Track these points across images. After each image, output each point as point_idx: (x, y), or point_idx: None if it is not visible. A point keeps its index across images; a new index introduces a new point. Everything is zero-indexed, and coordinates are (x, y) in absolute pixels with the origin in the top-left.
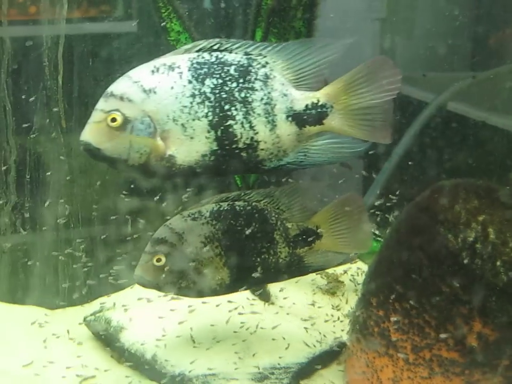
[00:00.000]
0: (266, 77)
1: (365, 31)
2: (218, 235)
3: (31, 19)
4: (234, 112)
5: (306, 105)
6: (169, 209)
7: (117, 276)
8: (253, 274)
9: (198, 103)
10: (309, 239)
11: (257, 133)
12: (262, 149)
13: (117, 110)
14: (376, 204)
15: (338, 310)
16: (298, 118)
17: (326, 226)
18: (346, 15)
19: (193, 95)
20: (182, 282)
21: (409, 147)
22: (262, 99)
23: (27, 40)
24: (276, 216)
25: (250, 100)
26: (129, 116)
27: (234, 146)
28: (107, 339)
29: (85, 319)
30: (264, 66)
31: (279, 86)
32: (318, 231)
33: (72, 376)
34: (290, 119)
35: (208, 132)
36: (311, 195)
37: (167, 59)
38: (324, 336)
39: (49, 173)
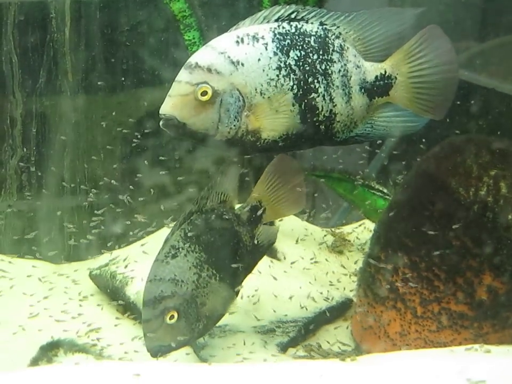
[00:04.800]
0: (341, 48)
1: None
2: (202, 257)
3: None
4: (317, 85)
5: (376, 77)
6: None
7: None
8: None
9: (284, 76)
10: (258, 216)
11: (335, 105)
12: (338, 121)
13: (205, 82)
14: (385, 163)
15: (344, 267)
16: (370, 90)
17: (266, 197)
18: None
19: (279, 68)
20: (199, 324)
21: None
22: (339, 71)
23: None
24: (225, 208)
25: (329, 72)
26: (218, 89)
27: (315, 119)
28: (112, 293)
29: (90, 273)
30: (338, 37)
31: (353, 58)
32: (262, 205)
33: (78, 328)
34: (363, 90)
35: (293, 105)
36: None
37: (249, 29)
38: (331, 292)
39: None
